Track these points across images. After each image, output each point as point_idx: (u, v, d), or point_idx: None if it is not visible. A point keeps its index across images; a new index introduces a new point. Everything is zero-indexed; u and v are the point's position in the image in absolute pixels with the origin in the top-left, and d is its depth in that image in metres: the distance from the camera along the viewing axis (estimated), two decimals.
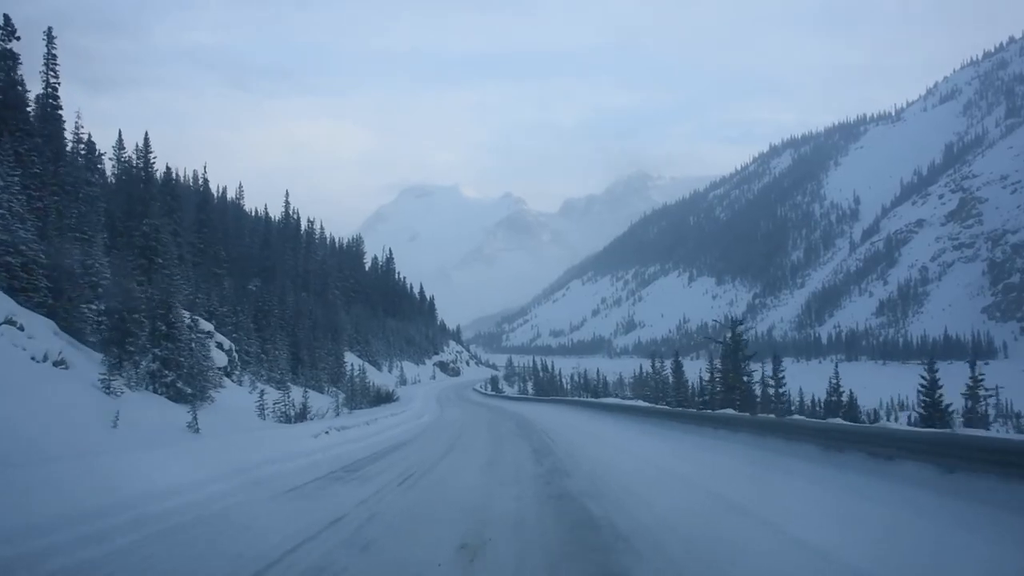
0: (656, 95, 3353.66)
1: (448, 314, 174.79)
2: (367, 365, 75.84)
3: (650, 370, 51.40)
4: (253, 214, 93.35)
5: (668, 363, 52.80)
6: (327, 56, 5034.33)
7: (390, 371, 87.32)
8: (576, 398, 51.45)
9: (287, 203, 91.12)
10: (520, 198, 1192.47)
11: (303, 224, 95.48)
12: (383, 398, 48.79)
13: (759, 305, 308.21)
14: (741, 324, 44.81)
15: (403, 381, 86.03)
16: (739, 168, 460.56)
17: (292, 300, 52.27)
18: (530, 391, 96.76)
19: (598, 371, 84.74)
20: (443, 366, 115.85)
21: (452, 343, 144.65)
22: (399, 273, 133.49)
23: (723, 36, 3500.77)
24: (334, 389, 44.67)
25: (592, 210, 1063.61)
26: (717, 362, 51.70)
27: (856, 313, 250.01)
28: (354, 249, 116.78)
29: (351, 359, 65.28)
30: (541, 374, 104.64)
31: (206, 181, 49.52)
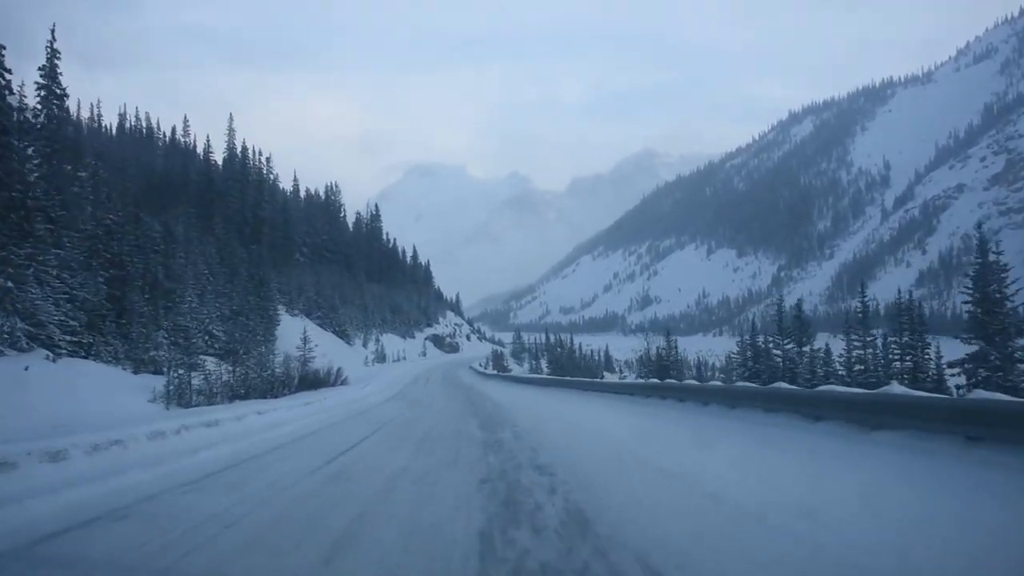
0: (663, 74, 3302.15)
1: (454, 294, 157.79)
2: (329, 336, 56.77)
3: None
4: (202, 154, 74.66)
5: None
6: (330, 33, 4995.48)
7: (364, 345, 68.13)
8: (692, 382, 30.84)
9: (231, 130, 71.60)
10: (526, 177, 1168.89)
11: (254, 161, 75.87)
12: (315, 382, 30.38)
13: (785, 278, 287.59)
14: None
15: (381, 357, 66.93)
16: (757, 137, 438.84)
17: (146, 223, 32.58)
18: (544, 370, 77.11)
19: (667, 333, 52.38)
20: (438, 340, 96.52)
21: (450, 314, 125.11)
22: (387, 234, 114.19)
23: (733, 12, 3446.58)
24: (210, 363, 25.45)
25: (599, 188, 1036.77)
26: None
27: (893, 285, 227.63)
28: (332, 199, 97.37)
29: (297, 325, 46.36)
30: (558, 350, 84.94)
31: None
